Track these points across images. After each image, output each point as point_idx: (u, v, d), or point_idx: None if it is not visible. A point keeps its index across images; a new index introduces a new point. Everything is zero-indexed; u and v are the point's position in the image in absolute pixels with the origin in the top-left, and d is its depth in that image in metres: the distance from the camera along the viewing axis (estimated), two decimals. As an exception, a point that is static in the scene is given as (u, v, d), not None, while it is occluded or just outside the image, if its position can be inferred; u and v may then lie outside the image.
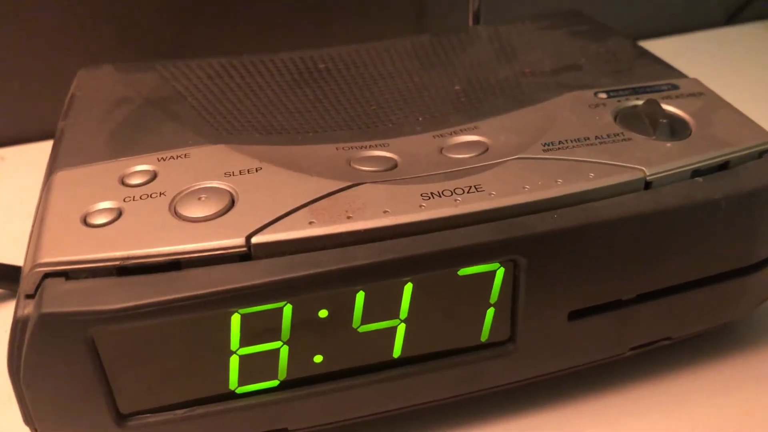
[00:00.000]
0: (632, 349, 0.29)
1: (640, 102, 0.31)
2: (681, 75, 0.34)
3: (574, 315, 0.27)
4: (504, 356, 0.27)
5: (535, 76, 0.34)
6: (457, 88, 0.34)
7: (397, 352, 0.26)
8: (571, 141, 0.28)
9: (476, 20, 0.44)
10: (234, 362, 0.24)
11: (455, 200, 0.25)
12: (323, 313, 0.24)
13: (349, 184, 0.26)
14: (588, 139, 0.28)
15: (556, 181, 0.26)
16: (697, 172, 0.27)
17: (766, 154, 0.29)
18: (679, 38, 0.63)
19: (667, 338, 0.29)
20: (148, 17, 0.50)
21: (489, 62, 0.37)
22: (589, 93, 0.32)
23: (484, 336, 0.26)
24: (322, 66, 0.37)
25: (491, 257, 0.25)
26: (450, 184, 0.26)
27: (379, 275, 0.24)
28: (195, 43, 0.52)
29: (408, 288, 0.25)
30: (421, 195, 0.25)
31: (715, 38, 0.63)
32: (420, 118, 0.32)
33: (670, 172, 0.27)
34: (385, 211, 0.25)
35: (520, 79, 0.34)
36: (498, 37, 0.40)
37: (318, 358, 0.25)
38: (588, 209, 0.25)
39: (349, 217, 0.24)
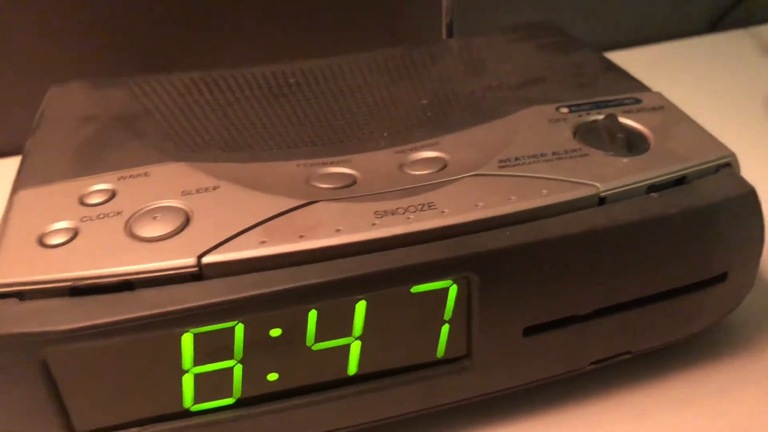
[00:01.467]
0: (593, 363, 0.29)
1: (601, 116, 0.31)
2: (645, 88, 0.34)
3: (530, 331, 0.27)
4: (460, 372, 0.27)
5: (500, 90, 0.35)
6: (423, 102, 0.35)
7: (352, 369, 0.26)
8: (528, 157, 0.28)
9: (449, 32, 0.44)
10: (188, 381, 0.25)
11: (407, 218, 0.25)
12: (276, 332, 0.24)
13: (304, 202, 0.26)
14: (545, 155, 0.28)
15: (509, 198, 0.26)
16: (652, 188, 0.27)
17: (723, 168, 0.29)
18: (662, 46, 0.63)
19: (628, 352, 0.29)
20: (127, 31, 0.51)
21: (457, 76, 0.37)
22: (551, 107, 0.32)
23: (440, 352, 0.27)
24: (292, 80, 0.37)
25: (443, 274, 0.25)
26: (404, 202, 0.26)
27: (331, 294, 0.24)
28: (175, 57, 0.52)
29: (361, 306, 0.25)
30: (375, 213, 0.26)
31: (698, 46, 0.63)
32: (385, 134, 0.32)
33: (624, 188, 0.27)
34: (337, 230, 0.25)
35: (485, 93, 0.35)
36: (468, 49, 0.40)
37: (273, 376, 0.25)
38: (540, 226, 0.26)
39: (301, 236, 0.24)
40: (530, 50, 0.39)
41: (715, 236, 0.28)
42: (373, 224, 0.25)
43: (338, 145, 0.31)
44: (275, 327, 0.24)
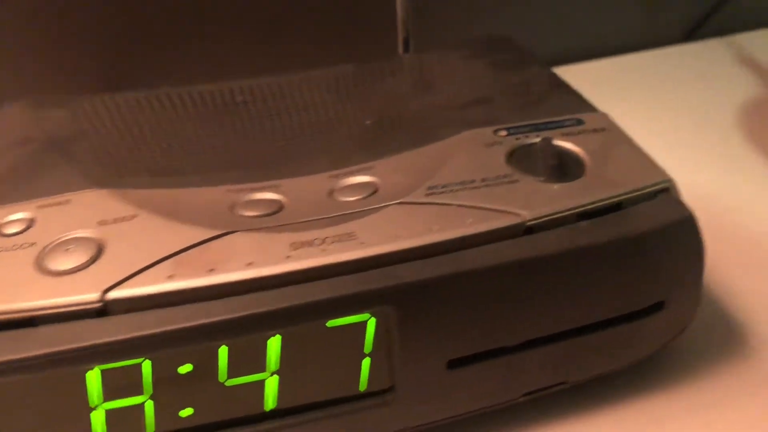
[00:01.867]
0: (526, 394, 0.28)
1: (538, 140, 0.30)
2: (591, 108, 0.33)
3: (455, 363, 0.26)
4: (384, 406, 0.26)
5: (444, 111, 0.34)
6: (368, 122, 0.34)
7: (269, 404, 0.25)
8: (457, 184, 0.28)
9: (406, 47, 0.44)
10: (98, 417, 0.24)
11: (324, 249, 0.25)
12: (187, 368, 0.24)
13: (221, 232, 0.25)
14: (474, 181, 0.28)
15: (431, 228, 0.25)
16: (583, 215, 0.27)
17: (661, 194, 0.28)
18: (635, 56, 0.62)
19: (563, 383, 0.29)
20: (85, 48, 0.50)
21: (405, 94, 0.36)
22: (490, 130, 0.31)
23: (363, 386, 0.26)
24: (239, 99, 0.37)
25: (359, 308, 0.24)
26: (323, 233, 0.25)
27: (240, 330, 0.24)
28: (138, 74, 0.52)
29: (275, 341, 0.24)
30: (291, 244, 0.25)
31: (672, 56, 0.62)
32: (323, 156, 0.31)
33: (551, 217, 0.26)
34: (249, 263, 0.24)
35: (430, 114, 0.34)
36: (420, 66, 0.40)
37: (186, 412, 0.25)
38: (461, 257, 0.25)
39: (210, 270, 0.24)
40: (480, 67, 0.38)
41: (650, 264, 0.27)
42: (288, 257, 0.24)
43: (273, 168, 0.30)
44: (185, 363, 0.24)
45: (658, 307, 0.28)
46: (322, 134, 0.33)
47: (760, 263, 0.38)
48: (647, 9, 0.62)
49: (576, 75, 0.59)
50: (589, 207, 0.27)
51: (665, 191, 0.28)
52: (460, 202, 0.27)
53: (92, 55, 0.51)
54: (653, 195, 0.28)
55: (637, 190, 0.27)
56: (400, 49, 0.44)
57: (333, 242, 0.25)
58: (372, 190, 0.28)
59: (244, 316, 0.23)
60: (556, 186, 0.27)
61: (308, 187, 0.29)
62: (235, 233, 0.25)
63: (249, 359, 0.24)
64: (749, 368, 0.32)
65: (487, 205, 0.26)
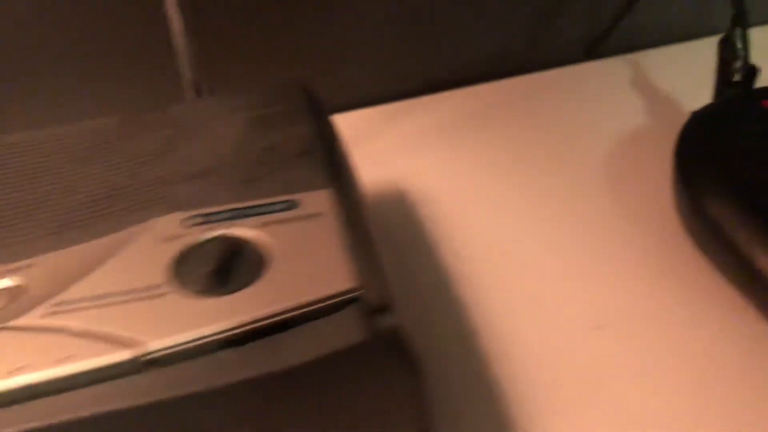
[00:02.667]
0: None
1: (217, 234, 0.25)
2: (324, 185, 0.28)
3: None
4: None
5: (160, 185, 0.29)
6: (79, 197, 0.29)
7: None
8: (93, 298, 0.23)
9: (198, 92, 0.39)
10: None
11: None
12: None
13: None
14: (112, 295, 0.23)
15: (17, 368, 0.20)
16: (233, 341, 0.21)
17: (353, 304, 0.23)
18: (530, 77, 0.56)
19: None
20: None
21: (143, 159, 0.31)
22: (179, 217, 0.26)
23: None
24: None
25: None
26: None
27: None
28: None
29: None
30: None
31: (563, 78, 0.56)
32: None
33: (181, 347, 0.21)
34: None
35: (143, 188, 0.29)
36: (181, 121, 0.34)
37: None
38: (42, 406, 0.20)
39: None
40: (241, 124, 0.33)
41: (321, 402, 0.22)
42: None
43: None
44: None
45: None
46: (22, 214, 0.28)
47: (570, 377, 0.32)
48: (542, 25, 0.56)
49: (451, 102, 0.54)
50: (241, 330, 0.21)
51: (354, 302, 0.23)
52: (78, 326, 0.22)
53: None
54: (338, 307, 0.23)
55: (311, 305, 0.22)
56: (192, 94, 0.39)
57: None
58: (5, 302, 0.23)
59: None
60: (208, 301, 0.22)
61: (-56, 293, 0.24)
62: None
63: None
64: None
65: (108, 331, 0.21)
